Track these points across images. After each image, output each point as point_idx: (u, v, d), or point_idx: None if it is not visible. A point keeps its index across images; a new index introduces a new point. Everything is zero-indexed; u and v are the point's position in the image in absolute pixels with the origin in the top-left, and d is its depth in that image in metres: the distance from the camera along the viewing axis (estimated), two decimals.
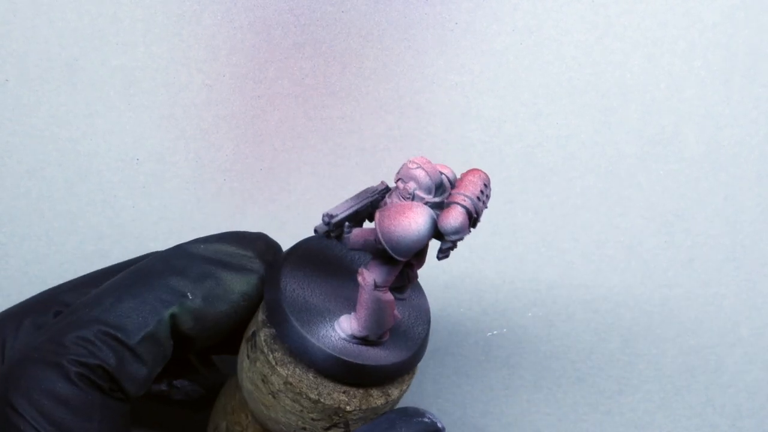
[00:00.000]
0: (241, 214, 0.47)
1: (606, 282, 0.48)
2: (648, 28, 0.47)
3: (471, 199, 0.31)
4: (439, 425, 0.35)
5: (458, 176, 0.33)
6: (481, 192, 0.32)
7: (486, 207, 0.32)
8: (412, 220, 0.31)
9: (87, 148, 0.47)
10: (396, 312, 0.34)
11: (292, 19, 0.47)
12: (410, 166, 0.32)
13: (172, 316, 0.34)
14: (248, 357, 0.35)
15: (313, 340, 0.33)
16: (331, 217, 0.32)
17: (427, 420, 0.34)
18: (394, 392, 0.35)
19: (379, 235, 0.32)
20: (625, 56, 0.47)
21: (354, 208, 0.33)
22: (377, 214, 0.32)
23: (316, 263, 0.36)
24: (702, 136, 0.47)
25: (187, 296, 0.34)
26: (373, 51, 0.47)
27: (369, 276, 0.33)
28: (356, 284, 0.34)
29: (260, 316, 0.35)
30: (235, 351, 0.38)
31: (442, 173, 0.33)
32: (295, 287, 0.35)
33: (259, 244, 0.37)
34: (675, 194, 0.48)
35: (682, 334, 0.48)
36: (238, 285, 0.35)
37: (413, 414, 0.35)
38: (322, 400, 0.34)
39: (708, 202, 0.48)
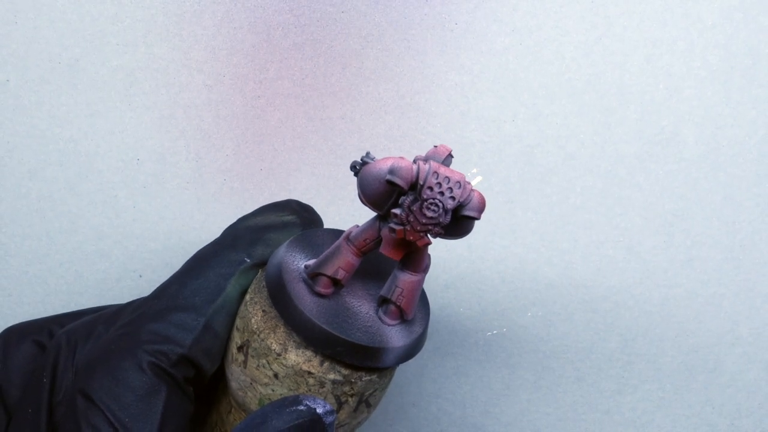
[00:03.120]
0: (241, 214, 0.47)
1: (605, 282, 0.48)
2: (647, 28, 0.47)
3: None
4: (319, 410, 0.33)
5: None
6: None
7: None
8: (384, 167, 0.34)
9: (88, 148, 0.47)
10: (351, 260, 0.35)
11: (292, 19, 0.47)
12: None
13: (236, 284, 0.36)
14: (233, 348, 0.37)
15: (300, 306, 0.35)
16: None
17: (302, 408, 0.33)
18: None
19: (359, 187, 0.34)
20: (624, 57, 0.47)
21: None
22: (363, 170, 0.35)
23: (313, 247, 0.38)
24: (701, 137, 0.47)
25: (245, 261, 0.37)
26: (373, 51, 0.47)
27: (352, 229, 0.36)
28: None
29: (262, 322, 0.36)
30: None
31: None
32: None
33: (292, 203, 0.40)
34: (674, 194, 0.48)
35: (682, 334, 0.48)
36: (285, 239, 0.38)
37: (290, 403, 0.33)
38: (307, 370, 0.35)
39: (707, 202, 0.48)
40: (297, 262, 0.36)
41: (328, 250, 0.35)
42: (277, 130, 0.47)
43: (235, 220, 0.47)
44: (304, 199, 0.47)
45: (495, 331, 0.48)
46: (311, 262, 0.36)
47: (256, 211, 0.40)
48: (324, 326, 0.34)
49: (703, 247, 0.48)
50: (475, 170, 0.47)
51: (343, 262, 0.35)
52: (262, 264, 0.37)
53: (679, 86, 0.47)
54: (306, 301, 0.35)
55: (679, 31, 0.47)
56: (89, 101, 0.46)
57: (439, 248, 0.47)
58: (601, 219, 0.48)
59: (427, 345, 0.48)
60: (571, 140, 0.47)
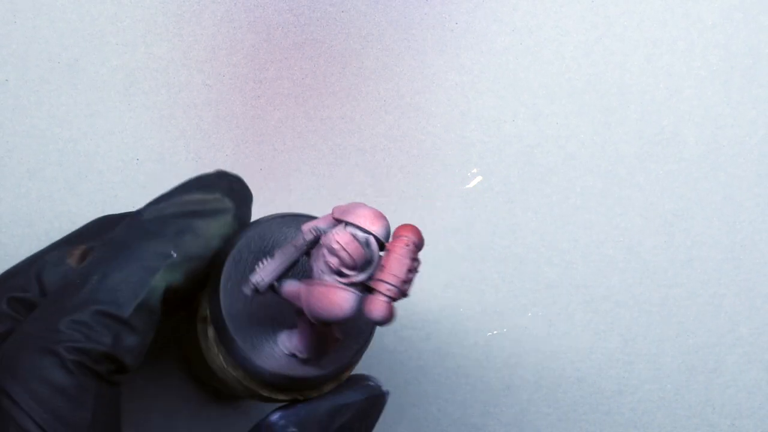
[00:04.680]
0: None
1: (605, 282, 0.48)
2: (647, 28, 0.47)
3: (396, 287, 0.31)
4: (384, 389, 0.37)
5: (392, 231, 0.33)
6: (409, 270, 0.32)
7: (414, 274, 0.32)
8: (336, 305, 0.32)
9: (87, 148, 0.47)
10: (337, 334, 0.35)
11: (292, 19, 0.46)
12: (334, 245, 0.32)
13: (161, 279, 0.34)
14: (201, 337, 0.37)
15: (259, 362, 0.35)
16: (257, 284, 0.34)
17: (372, 384, 0.37)
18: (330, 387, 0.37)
19: (305, 308, 0.32)
20: (624, 56, 0.47)
21: (279, 270, 0.34)
22: (303, 288, 0.33)
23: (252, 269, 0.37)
24: (701, 137, 0.47)
25: (171, 255, 0.35)
26: (373, 51, 0.47)
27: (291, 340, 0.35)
28: None
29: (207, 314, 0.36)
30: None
31: (368, 240, 0.32)
32: (235, 300, 0.35)
33: (223, 183, 0.37)
34: (674, 194, 0.48)
35: (682, 334, 0.48)
36: (215, 229, 0.36)
37: (361, 380, 0.37)
38: (271, 396, 0.36)
39: (707, 202, 0.48)
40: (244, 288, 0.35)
41: (308, 343, 0.35)
42: (277, 130, 0.47)
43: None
44: (304, 199, 0.47)
45: (495, 331, 0.48)
46: (300, 349, 0.35)
47: (181, 185, 0.37)
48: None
49: (703, 247, 0.48)
50: (475, 170, 0.47)
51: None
52: (190, 258, 0.35)
53: (679, 86, 0.47)
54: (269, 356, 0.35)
55: (679, 31, 0.47)
56: (89, 101, 0.46)
57: (439, 248, 0.47)
58: (601, 219, 0.48)
59: (427, 345, 0.48)
60: (571, 140, 0.47)
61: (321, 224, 0.34)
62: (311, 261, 0.33)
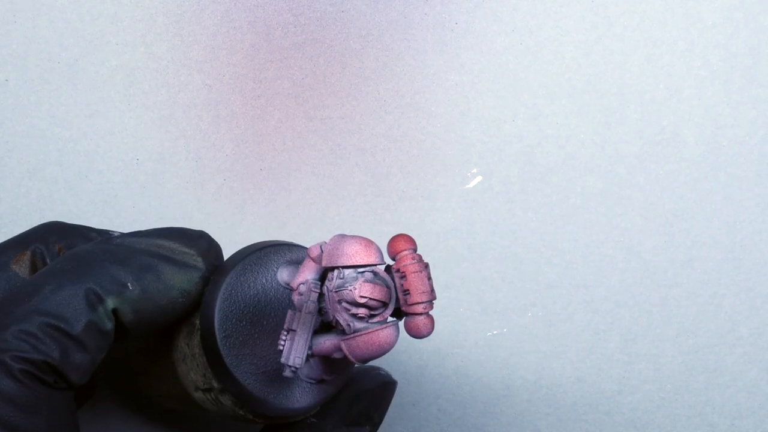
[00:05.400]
0: (241, 214, 0.47)
1: (605, 282, 0.48)
2: (647, 28, 0.47)
3: (429, 301, 0.32)
4: (394, 378, 0.39)
5: (387, 249, 0.33)
6: (428, 278, 0.32)
7: (431, 277, 0.33)
8: (384, 344, 0.32)
9: (87, 148, 0.47)
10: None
11: (292, 19, 0.46)
12: (360, 300, 0.32)
13: (112, 305, 0.34)
14: (188, 347, 0.36)
15: (296, 405, 0.35)
16: (297, 366, 0.33)
17: (382, 373, 0.39)
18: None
19: (350, 357, 0.32)
20: (624, 56, 0.47)
21: (308, 342, 0.34)
22: (344, 344, 0.32)
23: (247, 304, 0.36)
24: (701, 137, 0.47)
25: (127, 286, 0.34)
26: (373, 51, 0.47)
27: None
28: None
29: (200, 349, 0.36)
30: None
31: (379, 275, 0.33)
32: (247, 371, 0.35)
33: (202, 243, 0.37)
34: (674, 194, 0.48)
35: (682, 334, 0.48)
36: (178, 281, 0.35)
37: (372, 369, 0.39)
38: (247, 416, 0.36)
39: (707, 202, 0.48)
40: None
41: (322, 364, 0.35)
42: (277, 130, 0.47)
43: (234, 220, 0.47)
44: (304, 199, 0.47)
45: (495, 331, 0.48)
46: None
47: (162, 230, 0.37)
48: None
49: (703, 247, 0.48)
50: (475, 170, 0.47)
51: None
52: (145, 297, 0.34)
53: (679, 86, 0.47)
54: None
55: (679, 31, 0.47)
56: (89, 101, 0.46)
57: (439, 248, 0.47)
58: (601, 219, 0.48)
59: (427, 345, 0.48)
60: (571, 140, 0.47)
61: (308, 275, 0.34)
62: (330, 314, 0.33)
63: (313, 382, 0.35)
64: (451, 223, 0.48)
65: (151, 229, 0.37)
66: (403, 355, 0.48)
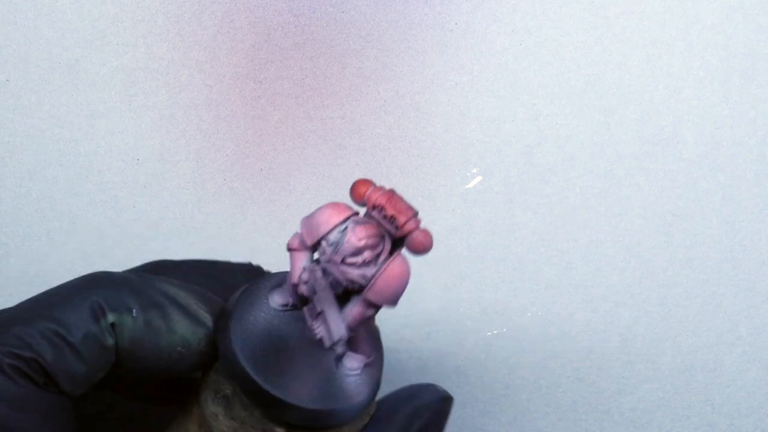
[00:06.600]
0: (241, 214, 0.47)
1: (605, 282, 0.48)
2: (647, 29, 0.47)
3: (415, 216, 0.33)
4: (450, 394, 0.38)
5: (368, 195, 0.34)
6: (402, 199, 0.33)
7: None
8: (404, 277, 0.33)
9: (88, 148, 0.47)
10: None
11: (292, 19, 0.47)
12: (359, 243, 0.32)
13: (114, 325, 0.33)
14: (233, 421, 0.35)
15: (338, 406, 0.34)
16: (341, 338, 0.33)
17: (440, 389, 0.38)
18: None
19: (384, 304, 0.33)
20: (623, 57, 0.47)
21: (340, 314, 0.34)
22: (371, 296, 0.33)
23: (262, 340, 0.35)
24: (700, 137, 0.47)
25: (131, 312, 0.34)
26: (373, 51, 0.47)
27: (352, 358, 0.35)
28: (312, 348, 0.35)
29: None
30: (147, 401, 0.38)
31: (362, 219, 0.33)
32: (278, 376, 0.34)
33: (217, 307, 0.36)
34: (674, 194, 0.48)
35: (681, 334, 0.48)
36: (183, 329, 0.34)
37: (431, 386, 0.38)
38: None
39: (706, 202, 0.48)
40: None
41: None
42: (277, 130, 0.47)
43: (234, 220, 0.47)
44: (304, 199, 0.47)
45: (495, 331, 0.48)
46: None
47: (185, 285, 0.36)
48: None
49: (702, 247, 0.48)
50: (475, 170, 0.47)
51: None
52: (145, 330, 0.34)
53: (679, 86, 0.47)
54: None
55: (679, 31, 0.47)
56: (89, 101, 0.46)
57: (439, 247, 0.48)
58: (601, 219, 0.48)
59: (427, 345, 0.48)
60: (571, 140, 0.47)
61: (301, 264, 0.34)
62: (342, 279, 0.33)
63: (359, 371, 0.35)
64: (451, 223, 0.48)
65: (174, 280, 0.36)
66: (403, 355, 0.48)
